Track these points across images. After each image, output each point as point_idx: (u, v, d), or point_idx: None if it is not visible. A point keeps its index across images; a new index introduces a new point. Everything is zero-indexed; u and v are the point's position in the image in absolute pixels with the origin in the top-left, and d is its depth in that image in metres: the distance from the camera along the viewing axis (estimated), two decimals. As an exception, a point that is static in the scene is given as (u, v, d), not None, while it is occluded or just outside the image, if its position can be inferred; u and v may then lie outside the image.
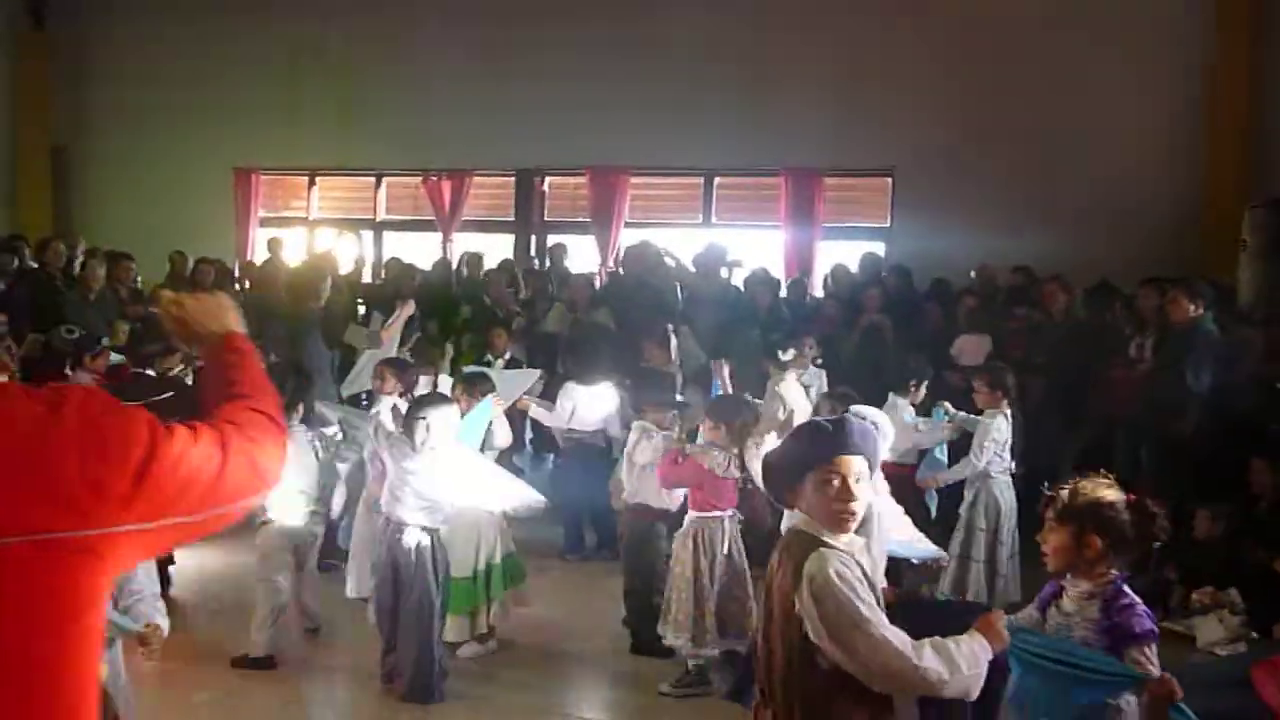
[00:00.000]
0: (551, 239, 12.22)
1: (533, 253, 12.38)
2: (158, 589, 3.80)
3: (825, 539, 2.67)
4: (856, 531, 2.77)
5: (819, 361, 7.85)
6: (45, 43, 13.74)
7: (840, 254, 10.84)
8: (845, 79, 11.03)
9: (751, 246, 10.96)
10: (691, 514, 5.42)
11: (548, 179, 12.63)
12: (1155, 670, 2.89)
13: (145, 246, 11.31)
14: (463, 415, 5.53)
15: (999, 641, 2.72)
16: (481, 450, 5.88)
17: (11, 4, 13.60)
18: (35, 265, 10.45)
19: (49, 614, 1.51)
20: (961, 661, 2.59)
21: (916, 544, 5.08)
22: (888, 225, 11.45)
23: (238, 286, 11.50)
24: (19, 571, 1.47)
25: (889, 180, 11.37)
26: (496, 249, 12.01)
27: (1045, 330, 8.55)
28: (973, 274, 9.82)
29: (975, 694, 2.63)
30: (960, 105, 10.61)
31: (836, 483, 2.68)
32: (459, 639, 5.69)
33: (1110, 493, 3.06)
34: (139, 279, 10.61)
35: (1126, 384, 7.74)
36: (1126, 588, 3.03)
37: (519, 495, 5.58)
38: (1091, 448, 7.44)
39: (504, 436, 6.28)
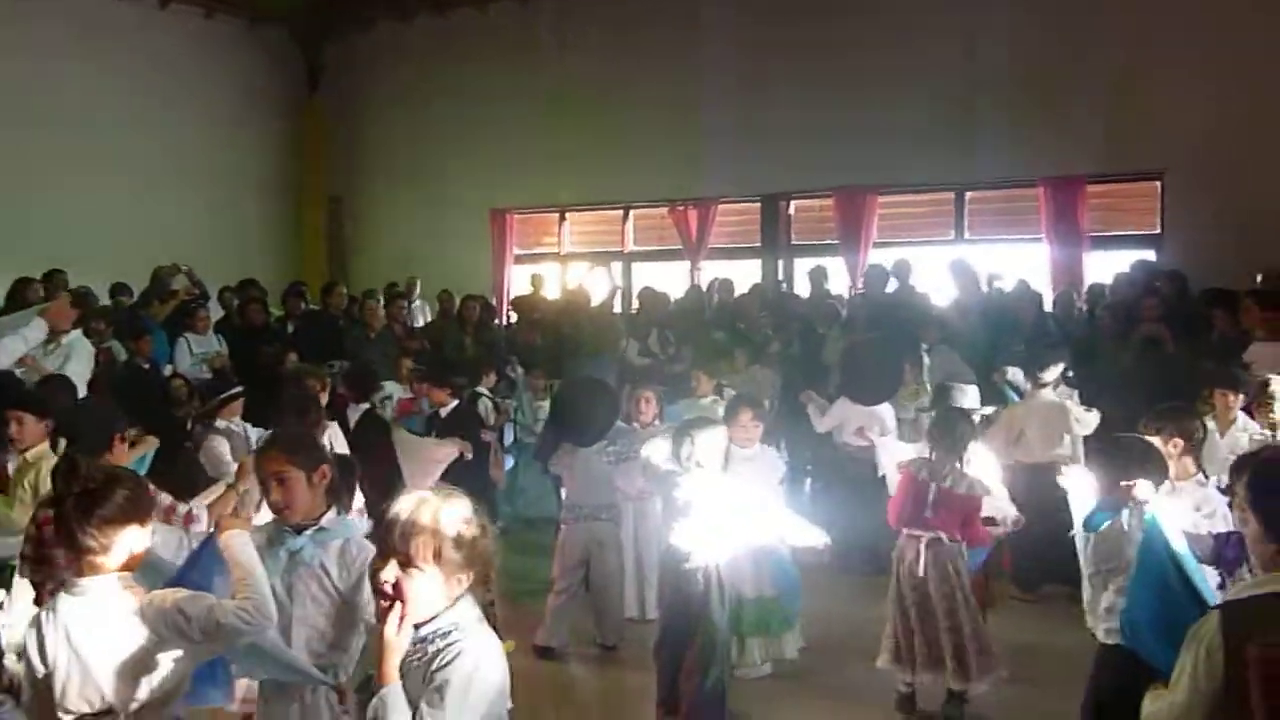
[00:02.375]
0: (799, 263, 12.16)
1: (780, 277, 12.34)
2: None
3: None
4: None
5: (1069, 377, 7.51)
6: (321, 104, 14.89)
7: (1108, 264, 10.27)
8: (1106, 78, 10.49)
9: (1011, 261, 10.55)
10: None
11: (794, 203, 12.58)
12: None
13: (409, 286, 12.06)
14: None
15: None
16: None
17: (291, 72, 14.82)
18: (318, 308, 11.25)
19: None
20: None
21: None
22: (1158, 232, 10.78)
23: (499, 321, 12.03)
24: None
25: (1158, 184, 10.71)
26: (744, 275, 12.03)
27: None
28: (1259, 278, 9.08)
29: None
30: (1237, 99, 9.87)
31: None
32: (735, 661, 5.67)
33: None
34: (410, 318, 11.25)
35: None
36: None
37: (803, 532, 5.46)
38: None
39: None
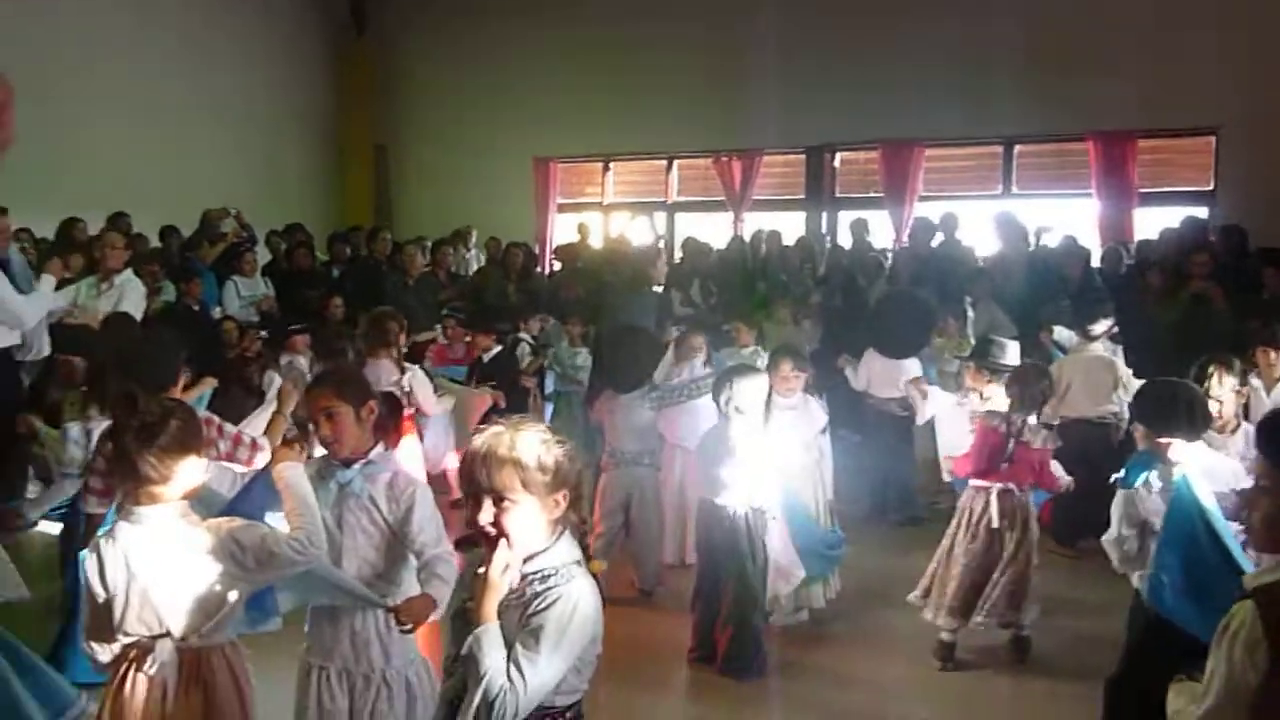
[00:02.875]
0: (843, 215, 12.09)
1: (824, 229, 12.27)
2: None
3: None
4: None
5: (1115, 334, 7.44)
6: (366, 52, 14.89)
7: (1158, 220, 10.12)
8: (1159, 29, 10.29)
9: (1059, 215, 10.42)
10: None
11: (839, 155, 12.47)
12: None
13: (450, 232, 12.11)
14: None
15: None
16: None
17: (336, 20, 14.82)
18: (365, 254, 11.35)
19: None
20: None
21: None
22: (1210, 189, 10.60)
23: (541, 269, 12.08)
24: None
25: (1213, 140, 10.52)
26: (787, 227, 11.98)
27: None
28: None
29: None
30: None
31: None
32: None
33: None
34: (455, 265, 11.31)
35: None
36: None
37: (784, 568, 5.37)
38: None
39: None
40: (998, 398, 5.44)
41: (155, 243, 10.42)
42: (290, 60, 14.16)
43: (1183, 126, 10.64)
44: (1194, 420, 3.95)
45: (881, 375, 7.57)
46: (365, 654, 3.26)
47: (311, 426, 3.35)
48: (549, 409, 9.32)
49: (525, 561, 2.36)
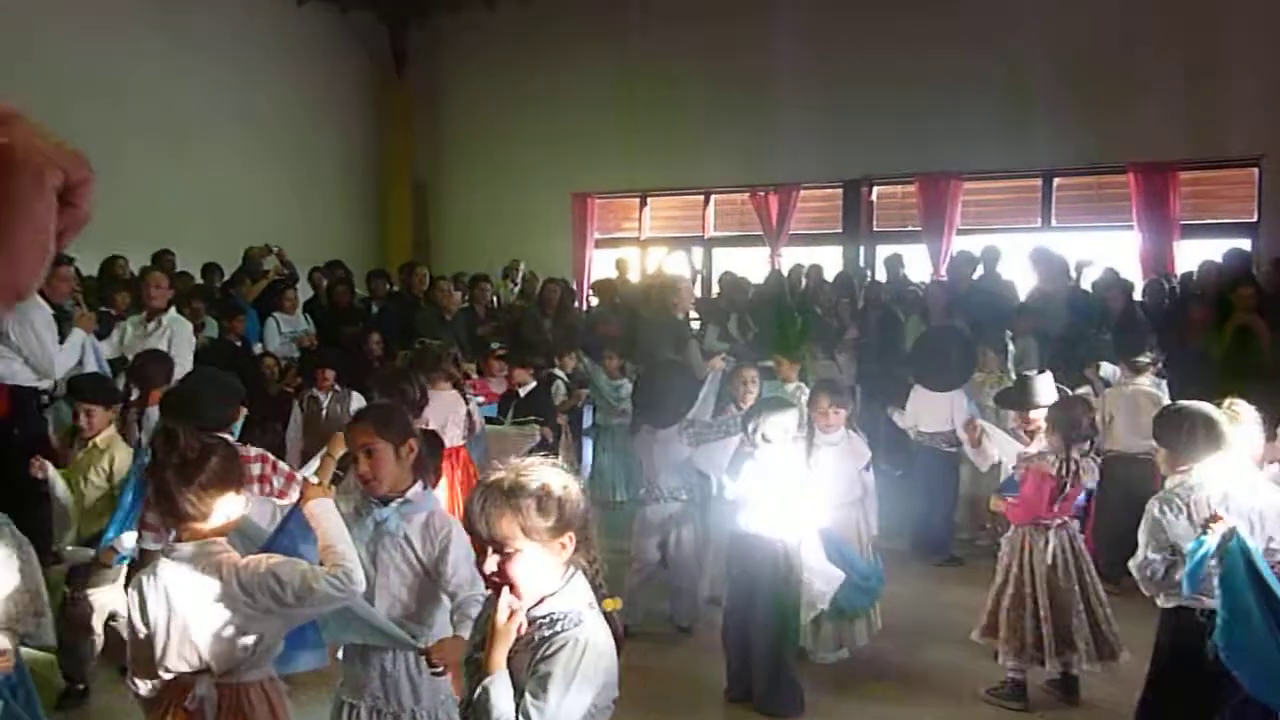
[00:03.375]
0: (880, 249, 12.06)
1: (862, 264, 12.24)
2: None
3: None
4: None
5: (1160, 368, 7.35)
6: (407, 90, 15.10)
7: (1200, 253, 10.01)
8: (1199, 59, 10.22)
9: (1100, 249, 10.34)
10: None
11: (876, 188, 12.47)
12: None
13: (494, 269, 12.17)
14: None
15: None
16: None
17: (377, 58, 15.05)
18: (402, 289, 11.43)
19: None
20: None
21: None
22: (1254, 220, 10.49)
23: (579, 304, 12.12)
24: None
25: (1255, 170, 10.41)
26: (825, 261, 11.97)
27: None
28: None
29: None
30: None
31: None
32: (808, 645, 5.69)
33: None
34: (494, 299, 11.36)
35: None
36: None
37: (821, 574, 5.29)
38: None
39: None
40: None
41: (197, 279, 10.55)
42: (332, 98, 14.37)
43: (1225, 157, 10.53)
44: (1211, 441, 3.93)
45: (928, 410, 7.52)
46: (395, 693, 3.26)
47: (351, 463, 3.37)
48: (588, 444, 9.34)
49: (535, 605, 2.32)
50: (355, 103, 14.82)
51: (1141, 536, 4.03)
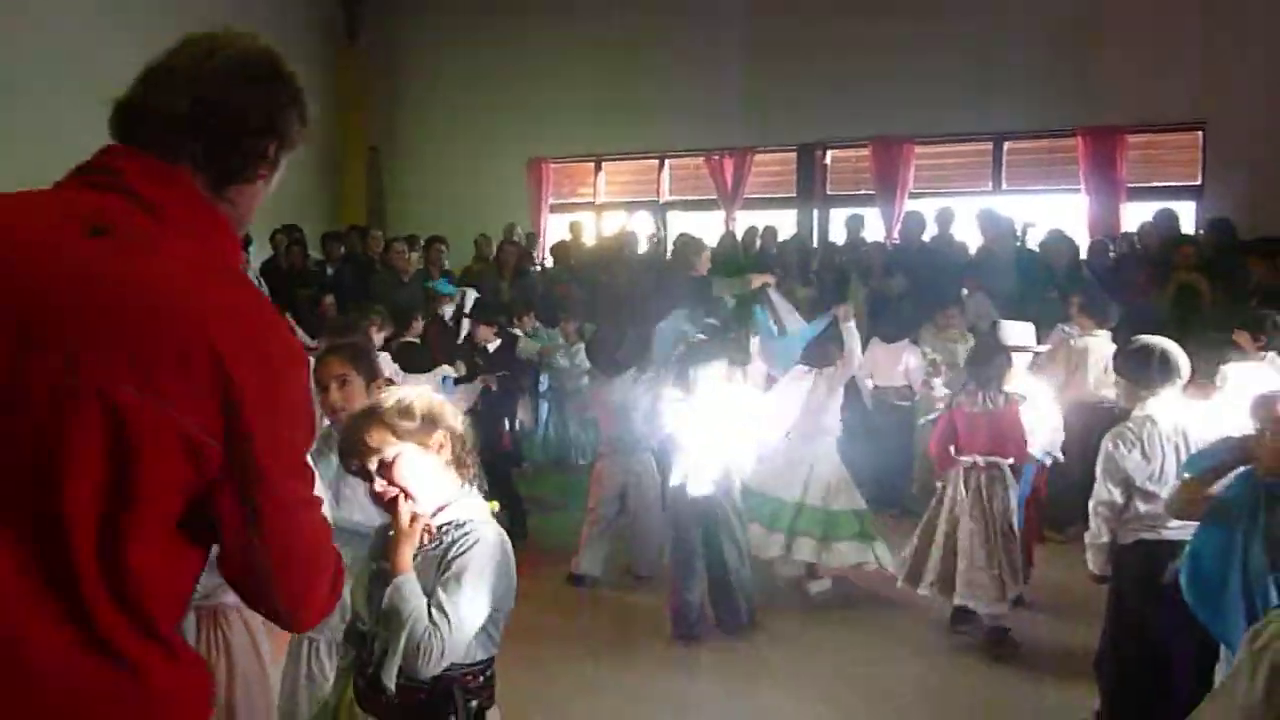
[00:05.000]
0: (835, 213, 12.17)
1: (815, 227, 12.34)
2: None
3: None
4: None
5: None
6: (360, 56, 14.94)
7: (1146, 215, 10.21)
8: (1148, 27, 10.39)
9: (1048, 212, 10.52)
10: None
11: (830, 152, 12.56)
12: None
13: (448, 234, 12.10)
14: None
15: None
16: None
17: (330, 24, 14.86)
18: (357, 252, 11.39)
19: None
20: None
21: None
22: (1199, 183, 10.71)
23: (536, 266, 12.15)
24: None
25: (1199, 134, 10.62)
26: (780, 224, 12.04)
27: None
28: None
29: None
30: (1281, 48, 9.77)
31: None
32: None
33: None
34: (447, 262, 11.33)
35: None
36: None
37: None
38: None
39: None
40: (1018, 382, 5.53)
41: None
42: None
43: (1170, 121, 10.73)
44: (1167, 372, 4.05)
45: (882, 364, 7.66)
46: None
47: (319, 392, 3.39)
48: (544, 407, 9.40)
49: (436, 514, 2.44)
50: (308, 68, 13.84)
51: (1098, 473, 4.13)
